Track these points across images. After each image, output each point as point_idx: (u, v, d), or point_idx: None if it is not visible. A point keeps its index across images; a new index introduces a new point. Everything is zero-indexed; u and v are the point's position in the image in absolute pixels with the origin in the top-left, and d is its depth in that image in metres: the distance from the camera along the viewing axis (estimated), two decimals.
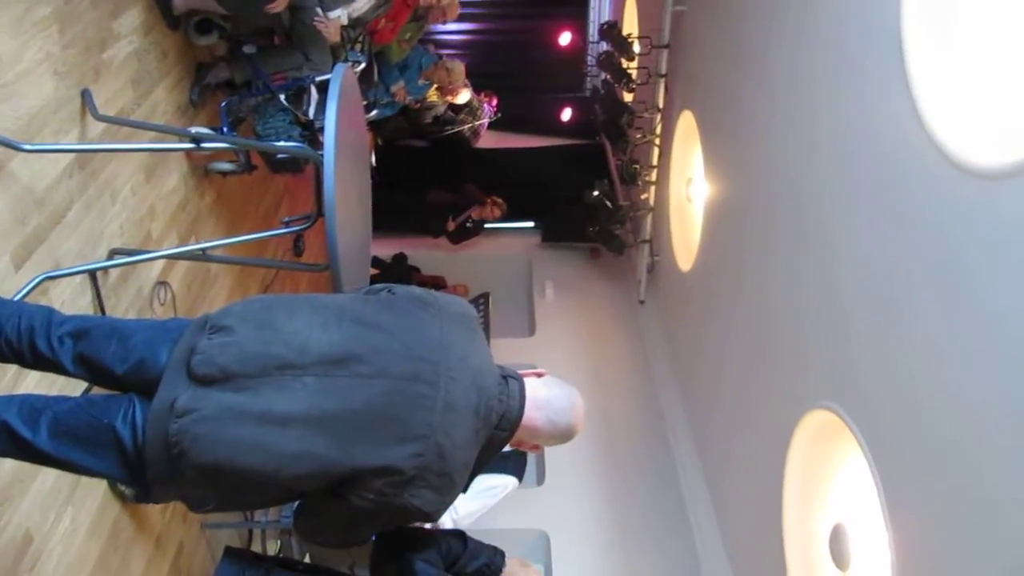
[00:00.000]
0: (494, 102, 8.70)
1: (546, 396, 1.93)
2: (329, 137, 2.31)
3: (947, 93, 2.78)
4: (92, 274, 3.22)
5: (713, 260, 5.46)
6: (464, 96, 7.22)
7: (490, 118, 8.59)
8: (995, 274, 2.44)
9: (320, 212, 2.89)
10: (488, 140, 9.25)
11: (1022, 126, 2.40)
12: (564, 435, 1.97)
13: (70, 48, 3.17)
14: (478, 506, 3.69)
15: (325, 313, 1.88)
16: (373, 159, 5.72)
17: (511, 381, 1.92)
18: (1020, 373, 2.34)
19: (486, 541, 2.39)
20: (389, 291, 2.01)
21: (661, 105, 6.56)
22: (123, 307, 3.53)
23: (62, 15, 3.12)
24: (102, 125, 3.33)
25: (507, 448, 1.97)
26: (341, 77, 2.43)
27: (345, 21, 4.32)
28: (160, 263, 3.85)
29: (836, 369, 3.45)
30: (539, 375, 1.99)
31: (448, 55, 9.75)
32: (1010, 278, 2.38)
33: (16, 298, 2.69)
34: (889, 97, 3.02)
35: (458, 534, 2.34)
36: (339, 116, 2.43)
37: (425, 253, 8.46)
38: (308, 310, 1.88)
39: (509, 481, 3.17)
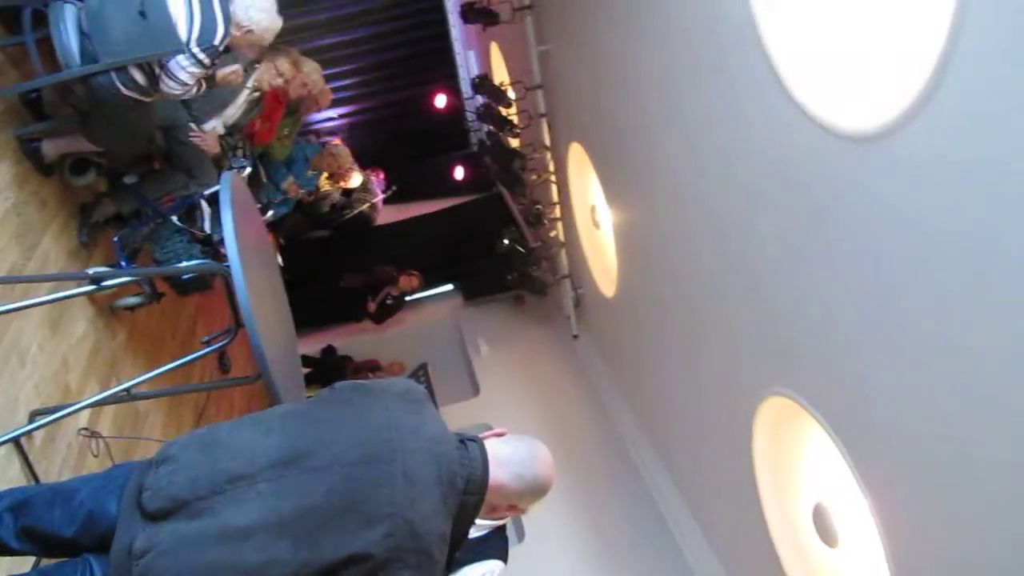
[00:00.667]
0: (381, 176, 8.72)
1: (507, 452, 1.91)
2: (231, 246, 2.27)
3: (811, 64, 2.90)
4: (16, 442, 3.08)
5: (634, 280, 5.54)
6: (356, 179, 7.22)
7: (383, 192, 8.61)
8: (885, 235, 2.55)
9: (239, 323, 2.83)
10: (390, 214, 9.26)
11: (890, 90, 2.51)
12: (533, 487, 1.93)
13: None
14: None
15: (267, 421, 1.85)
16: (279, 260, 5.66)
17: (470, 444, 1.90)
18: (920, 315, 2.45)
19: None
20: (330, 389, 1.99)
21: (548, 143, 6.67)
22: (56, 467, 3.37)
23: None
24: None
25: (484, 524, 1.93)
26: (229, 185, 2.40)
27: (221, 131, 4.29)
28: (86, 414, 3.69)
29: (776, 354, 3.51)
30: (499, 435, 1.97)
31: (330, 142, 9.81)
32: (898, 236, 2.49)
33: None
34: (755, 80, 3.12)
35: None
36: (236, 223, 2.40)
37: (353, 340, 8.36)
38: (249, 423, 1.86)
39: (495, 566, 3.09)
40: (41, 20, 3.45)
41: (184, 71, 3.28)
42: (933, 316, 2.42)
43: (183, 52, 3.25)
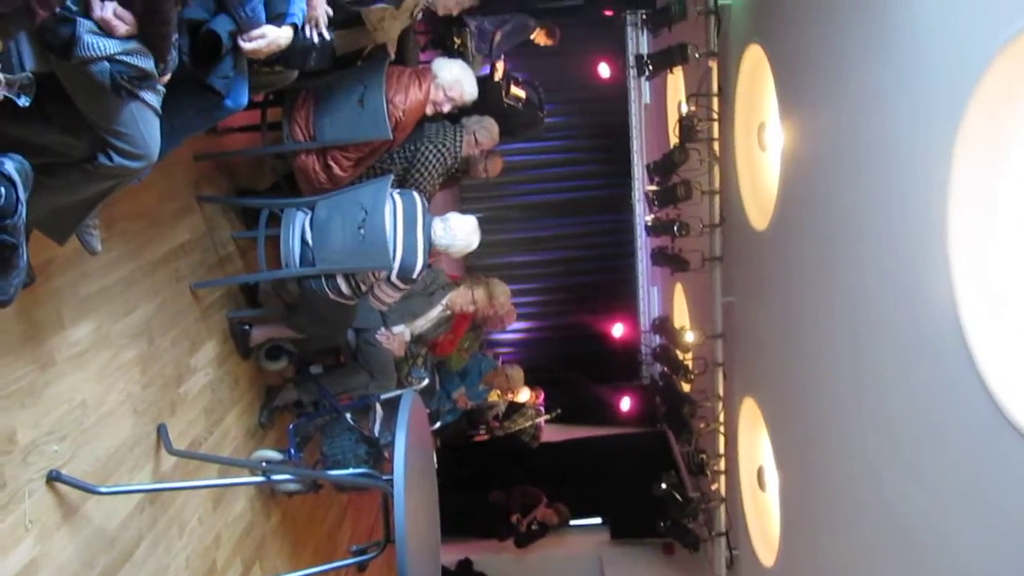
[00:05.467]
0: (541, 397, 8.68)
1: None
2: (399, 471, 2.30)
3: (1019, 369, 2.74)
4: None
5: (799, 552, 5.16)
6: (524, 394, 7.29)
7: (545, 417, 8.56)
8: None
9: (389, 538, 2.83)
10: (549, 433, 9.21)
11: None
12: None
13: (150, 387, 3.31)
14: None
15: None
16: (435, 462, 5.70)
17: None
18: None
19: None
20: None
21: (721, 393, 6.55)
22: None
23: (145, 356, 3.28)
24: (175, 457, 3.40)
25: None
26: (409, 406, 2.47)
27: (408, 337, 4.49)
28: None
29: None
30: None
31: (504, 353, 10.06)
32: None
33: None
34: (953, 375, 2.98)
35: None
36: (407, 446, 2.44)
37: (491, 557, 8.16)
38: None
39: None
40: (274, 220, 3.85)
41: (386, 295, 3.62)
42: None
43: (388, 277, 3.57)
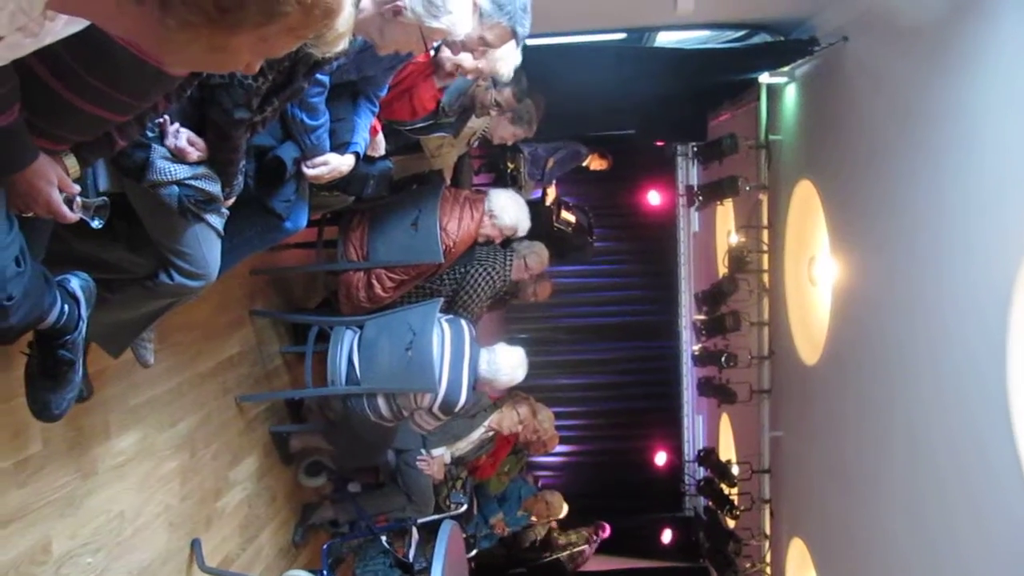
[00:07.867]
0: (607, 532, 8.37)
1: None
2: None
3: None
4: None
5: None
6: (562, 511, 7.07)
7: (594, 545, 8.28)
8: None
9: None
10: (588, 563, 8.91)
11: None
12: None
13: (188, 499, 3.29)
14: None
15: None
16: None
17: None
18: None
19: None
20: None
21: (768, 532, 6.31)
22: None
23: (186, 468, 3.28)
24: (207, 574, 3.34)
25: None
26: (447, 537, 2.41)
27: (448, 460, 4.44)
28: None
29: None
30: None
31: (543, 476, 9.86)
32: None
33: None
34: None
35: None
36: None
37: None
38: None
39: None
40: (322, 336, 3.89)
41: (426, 423, 3.63)
42: None
43: (430, 400, 3.56)
